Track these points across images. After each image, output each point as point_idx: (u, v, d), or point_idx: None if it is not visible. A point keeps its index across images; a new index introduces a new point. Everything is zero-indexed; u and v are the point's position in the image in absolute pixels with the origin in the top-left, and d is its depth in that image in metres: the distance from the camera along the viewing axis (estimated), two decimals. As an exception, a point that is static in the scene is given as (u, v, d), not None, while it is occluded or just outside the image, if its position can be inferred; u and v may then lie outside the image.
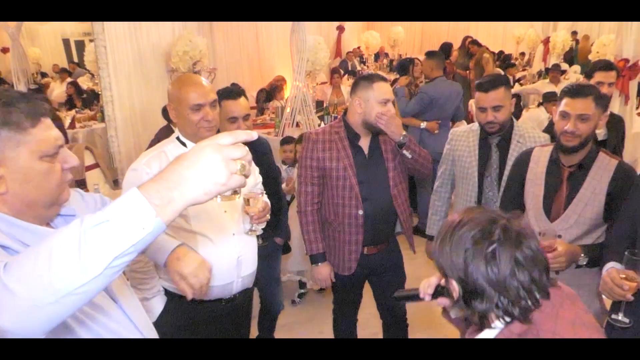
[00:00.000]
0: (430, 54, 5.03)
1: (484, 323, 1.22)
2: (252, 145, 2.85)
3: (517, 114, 7.27)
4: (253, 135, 0.97)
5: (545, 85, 7.28)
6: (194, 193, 0.88)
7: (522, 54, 11.50)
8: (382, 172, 2.54)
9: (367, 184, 2.50)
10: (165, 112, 4.86)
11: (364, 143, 2.54)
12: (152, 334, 1.41)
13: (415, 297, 1.45)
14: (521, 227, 1.19)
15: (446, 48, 6.77)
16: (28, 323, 0.85)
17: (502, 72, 7.62)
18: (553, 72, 7.36)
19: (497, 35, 9.20)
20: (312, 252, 2.59)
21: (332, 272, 2.63)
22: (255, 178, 2.33)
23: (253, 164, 2.27)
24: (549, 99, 5.57)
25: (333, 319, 2.90)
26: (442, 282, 1.32)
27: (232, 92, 2.61)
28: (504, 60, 9.97)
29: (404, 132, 2.42)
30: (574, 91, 2.07)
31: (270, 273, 3.07)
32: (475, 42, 8.65)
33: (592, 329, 1.20)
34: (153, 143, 4.63)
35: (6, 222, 1.10)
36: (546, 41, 9.68)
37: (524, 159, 2.32)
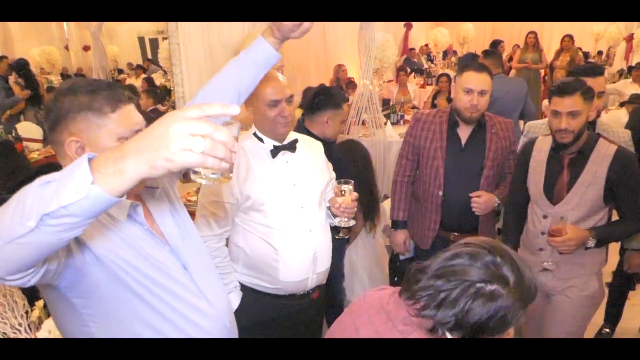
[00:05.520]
0: (486, 54, 4.90)
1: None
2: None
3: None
4: (232, 110, 0.88)
5: (627, 85, 6.82)
6: (142, 166, 0.84)
7: (601, 52, 10.89)
8: (477, 166, 2.59)
9: (457, 171, 2.59)
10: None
11: (463, 132, 2.62)
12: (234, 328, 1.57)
13: None
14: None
15: (495, 45, 6.44)
16: None
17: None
18: (637, 71, 6.79)
19: (574, 32, 8.73)
20: (395, 218, 2.88)
21: (408, 241, 2.89)
22: (330, 174, 2.32)
23: (325, 159, 2.28)
24: (634, 101, 5.14)
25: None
26: None
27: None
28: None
29: (497, 201, 2.59)
30: (561, 89, 2.11)
31: (337, 265, 3.05)
32: (572, 38, 8.28)
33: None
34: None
35: None
36: (629, 38, 9.14)
37: (528, 148, 2.41)
